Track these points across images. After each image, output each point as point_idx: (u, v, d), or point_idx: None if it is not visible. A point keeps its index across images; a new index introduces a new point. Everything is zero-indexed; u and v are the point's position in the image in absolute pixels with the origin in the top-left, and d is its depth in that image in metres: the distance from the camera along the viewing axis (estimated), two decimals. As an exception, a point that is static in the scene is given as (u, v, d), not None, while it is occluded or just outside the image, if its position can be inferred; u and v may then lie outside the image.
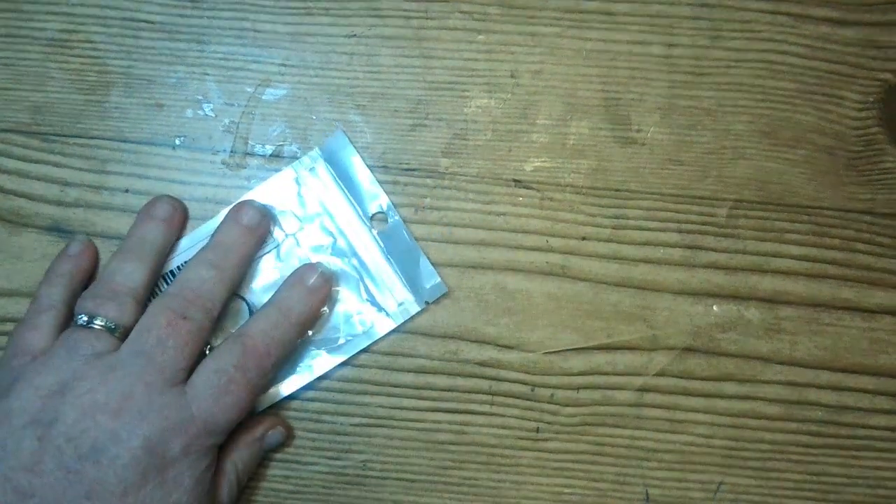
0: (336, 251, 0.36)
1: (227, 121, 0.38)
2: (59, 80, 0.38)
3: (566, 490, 0.37)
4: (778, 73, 0.38)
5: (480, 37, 0.38)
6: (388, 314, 0.36)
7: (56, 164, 0.37)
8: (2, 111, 0.37)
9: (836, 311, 0.38)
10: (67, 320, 0.33)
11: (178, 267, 0.35)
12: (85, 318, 0.32)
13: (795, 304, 0.38)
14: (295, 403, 0.37)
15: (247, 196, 0.36)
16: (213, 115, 0.38)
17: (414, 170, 0.38)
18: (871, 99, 0.38)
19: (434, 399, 0.37)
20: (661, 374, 0.37)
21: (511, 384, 0.37)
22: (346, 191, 0.37)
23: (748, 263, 0.38)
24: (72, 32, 0.38)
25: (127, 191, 0.37)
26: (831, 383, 0.37)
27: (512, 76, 0.38)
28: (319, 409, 0.37)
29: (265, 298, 0.35)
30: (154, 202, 0.36)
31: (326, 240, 0.36)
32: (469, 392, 0.37)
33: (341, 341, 0.36)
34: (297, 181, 0.37)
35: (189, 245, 0.36)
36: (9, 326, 0.36)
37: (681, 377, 0.37)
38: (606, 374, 0.37)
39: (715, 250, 0.38)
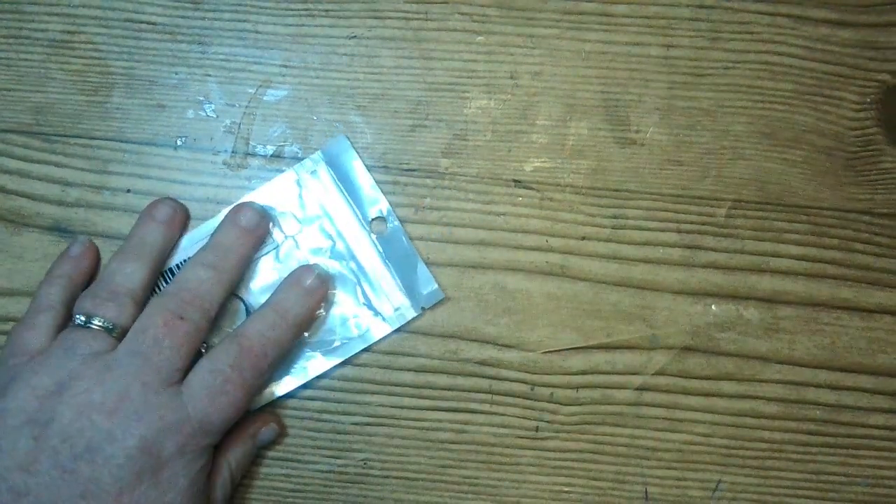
0: (335, 254, 0.36)
1: (228, 121, 0.38)
2: (60, 80, 0.38)
3: (566, 489, 0.37)
4: (777, 73, 0.39)
5: (480, 38, 0.38)
6: (384, 318, 0.36)
7: (57, 165, 0.37)
8: (3, 111, 0.38)
9: (835, 310, 0.38)
10: (66, 321, 0.33)
11: (177, 265, 0.35)
12: (83, 319, 0.32)
13: (794, 303, 0.38)
14: (295, 402, 0.37)
15: (248, 197, 0.37)
16: (215, 115, 0.38)
17: (414, 170, 0.38)
18: (870, 100, 0.39)
19: (434, 398, 0.37)
20: (660, 373, 0.37)
21: (511, 383, 0.37)
22: (346, 194, 0.37)
23: (747, 263, 0.38)
24: (73, 33, 0.38)
25: (128, 191, 0.37)
26: (830, 382, 0.38)
27: (511, 77, 0.38)
28: (320, 408, 0.37)
29: (263, 299, 0.35)
30: (155, 204, 0.36)
31: (325, 242, 0.36)
32: (469, 391, 0.37)
33: (336, 344, 0.36)
34: (298, 183, 0.37)
35: (189, 244, 0.36)
36: (9, 326, 0.36)
37: (680, 376, 0.37)
38: (606, 373, 0.37)
39: (714, 250, 0.38)
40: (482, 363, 0.37)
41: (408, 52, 0.38)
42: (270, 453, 0.37)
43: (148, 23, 0.38)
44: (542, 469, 0.37)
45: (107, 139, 0.38)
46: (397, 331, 0.37)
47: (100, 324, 0.32)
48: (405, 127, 0.38)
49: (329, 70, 0.38)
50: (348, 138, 0.37)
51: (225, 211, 0.36)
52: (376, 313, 0.36)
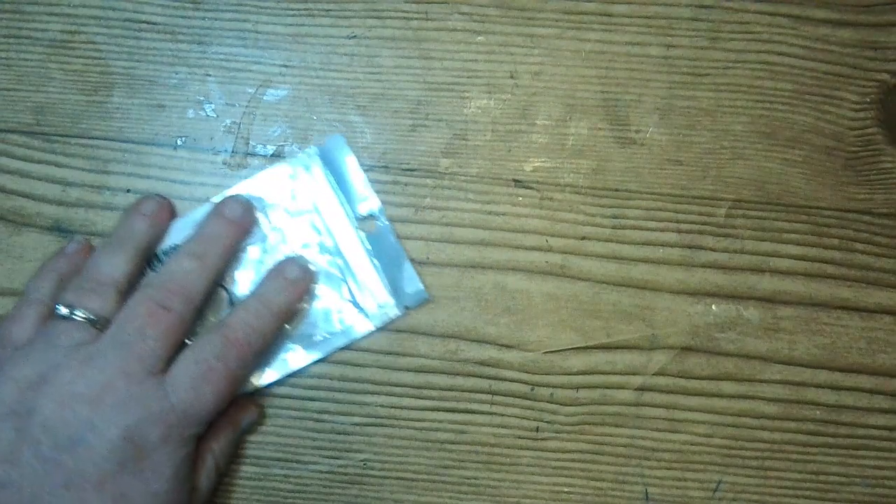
0: (322, 249, 0.36)
1: (228, 121, 0.38)
2: (60, 80, 0.38)
3: (566, 489, 0.37)
4: (776, 73, 0.39)
5: (480, 38, 0.38)
6: (367, 315, 0.36)
7: (57, 165, 0.37)
8: (3, 111, 0.38)
9: (835, 310, 0.38)
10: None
11: (163, 252, 0.35)
12: (66, 310, 0.32)
13: (794, 303, 0.38)
14: (295, 403, 0.37)
15: (240, 186, 0.37)
16: (215, 115, 0.38)
17: (414, 170, 0.38)
18: (869, 99, 0.39)
19: (434, 398, 0.37)
20: (660, 373, 0.37)
21: (511, 383, 0.37)
22: (338, 191, 0.37)
23: (747, 263, 0.38)
24: (73, 33, 0.38)
25: (128, 191, 0.37)
26: (830, 382, 0.37)
27: (511, 77, 0.38)
28: (320, 408, 0.37)
29: (249, 290, 0.35)
30: (142, 199, 0.36)
31: (314, 237, 0.36)
32: (469, 391, 0.37)
33: (319, 338, 0.36)
34: (291, 177, 0.37)
35: (177, 231, 0.36)
36: (10, 326, 0.36)
37: (680, 376, 0.37)
38: (606, 373, 0.37)
39: (714, 250, 0.38)
40: (482, 363, 0.37)
41: (408, 52, 0.38)
42: (270, 454, 0.37)
43: (148, 23, 0.38)
44: (542, 469, 0.37)
45: (107, 139, 0.38)
46: (381, 330, 0.37)
47: (83, 315, 0.32)
48: (405, 127, 0.38)
49: (329, 70, 0.38)
50: (344, 137, 0.37)
51: (216, 199, 0.36)
52: (360, 310, 0.36)
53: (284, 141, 0.38)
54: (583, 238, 0.38)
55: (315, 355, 0.36)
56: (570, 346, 0.37)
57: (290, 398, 0.37)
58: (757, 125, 0.38)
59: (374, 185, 0.38)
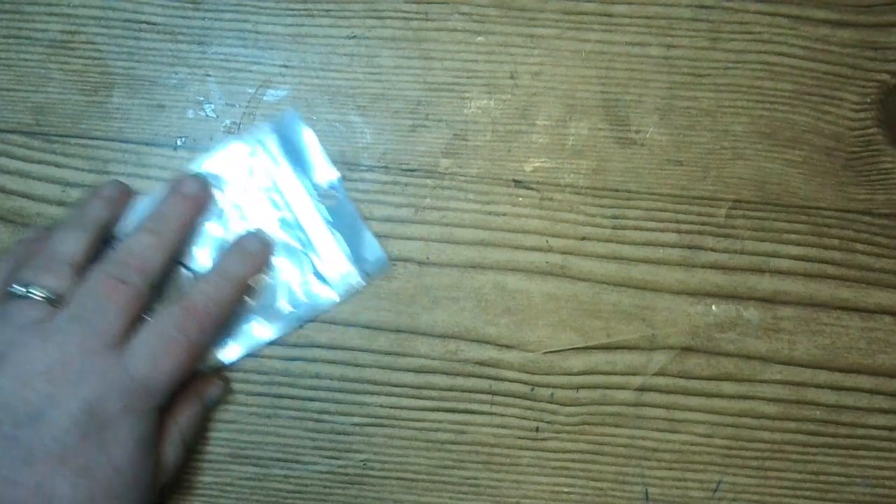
0: (282, 223, 0.37)
1: (228, 122, 0.38)
2: (60, 80, 0.38)
3: (566, 489, 0.37)
4: (776, 74, 0.39)
5: (480, 38, 0.38)
6: (330, 286, 0.37)
7: (57, 165, 0.37)
8: (3, 112, 0.38)
9: (835, 310, 0.38)
10: None
11: (122, 234, 0.35)
12: (22, 289, 0.32)
13: (794, 303, 0.38)
14: (295, 403, 0.37)
15: (198, 164, 0.37)
16: (215, 115, 0.38)
17: (414, 170, 0.38)
18: (869, 100, 0.39)
19: (434, 398, 0.37)
20: (660, 373, 0.37)
21: (511, 384, 0.37)
22: (296, 165, 0.37)
23: (747, 263, 0.38)
24: (73, 34, 0.38)
25: (128, 191, 0.37)
26: (830, 383, 0.37)
27: (511, 77, 0.38)
28: (320, 408, 0.37)
29: (209, 267, 0.35)
30: (103, 184, 0.36)
31: (273, 212, 0.37)
32: (469, 391, 0.37)
33: (284, 311, 0.36)
34: (248, 154, 0.37)
35: (136, 213, 0.36)
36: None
37: (680, 377, 0.37)
38: (606, 373, 0.37)
39: (714, 250, 0.38)
40: (482, 363, 0.37)
41: (408, 52, 0.38)
42: (270, 454, 0.37)
43: (148, 23, 0.38)
44: (542, 470, 0.37)
45: (107, 139, 0.38)
46: (345, 301, 0.37)
47: (39, 293, 0.31)
48: (405, 127, 0.38)
49: (329, 70, 0.38)
50: (298, 111, 0.37)
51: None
52: (323, 281, 0.37)
53: (284, 141, 0.38)
54: (583, 238, 0.38)
55: (280, 328, 0.36)
56: (570, 347, 0.37)
57: (290, 398, 0.37)
58: (757, 125, 0.38)
59: (374, 185, 0.38)
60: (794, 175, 0.38)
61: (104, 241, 0.35)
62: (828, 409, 0.37)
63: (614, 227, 0.38)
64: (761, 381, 0.37)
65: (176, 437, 0.33)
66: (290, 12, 0.38)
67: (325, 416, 0.37)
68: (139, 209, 0.36)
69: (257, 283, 0.36)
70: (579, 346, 0.37)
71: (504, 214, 0.38)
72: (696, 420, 0.37)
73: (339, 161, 0.38)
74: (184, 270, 0.36)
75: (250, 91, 0.38)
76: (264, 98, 0.38)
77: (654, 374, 0.37)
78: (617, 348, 0.37)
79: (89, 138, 0.38)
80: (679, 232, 0.38)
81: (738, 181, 0.38)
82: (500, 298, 0.37)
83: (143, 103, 0.38)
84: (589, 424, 0.37)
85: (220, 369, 0.36)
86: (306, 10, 0.38)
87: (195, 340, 0.32)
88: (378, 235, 0.37)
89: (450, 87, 0.38)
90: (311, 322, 0.37)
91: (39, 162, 0.37)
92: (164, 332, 0.32)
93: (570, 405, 0.37)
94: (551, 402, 0.37)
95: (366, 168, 0.38)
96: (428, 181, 0.38)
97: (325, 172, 0.37)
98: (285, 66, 0.38)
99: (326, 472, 0.37)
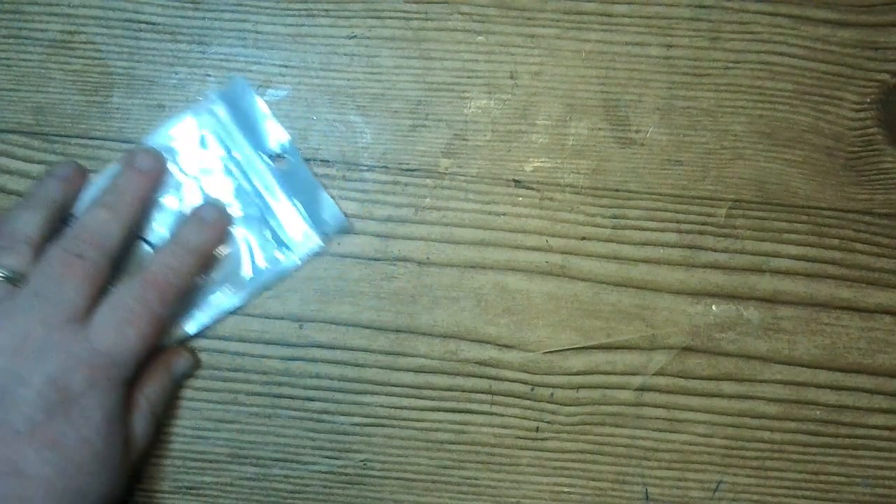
0: (238, 191, 0.37)
1: (227, 121, 0.38)
2: (60, 80, 0.38)
3: (566, 489, 0.37)
4: (777, 74, 0.39)
5: (480, 38, 0.38)
6: (291, 250, 0.37)
7: (57, 165, 0.37)
8: (4, 112, 0.38)
9: (835, 310, 0.38)
10: None
11: (79, 214, 0.35)
12: None
13: (794, 303, 0.38)
14: (295, 403, 0.37)
15: (151, 138, 0.37)
16: (214, 115, 0.38)
17: (414, 170, 0.38)
18: (869, 100, 0.39)
19: (434, 398, 0.37)
20: (660, 373, 0.37)
21: (511, 384, 0.37)
22: (247, 132, 0.37)
23: (747, 263, 0.38)
24: (73, 34, 0.38)
25: (128, 191, 0.37)
26: (830, 383, 0.37)
27: (511, 77, 0.38)
28: (320, 408, 0.37)
29: None
30: (57, 164, 0.36)
31: (229, 181, 0.37)
32: (469, 391, 0.37)
33: (246, 278, 0.36)
34: (199, 125, 0.37)
35: (95, 190, 0.36)
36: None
37: (680, 377, 0.37)
38: (606, 373, 0.37)
39: (714, 250, 0.38)
40: (482, 363, 0.37)
41: (408, 52, 0.38)
42: (270, 454, 0.37)
43: (148, 23, 0.38)
44: (542, 469, 0.37)
45: (107, 139, 0.38)
46: (307, 263, 0.37)
47: None
48: (405, 127, 0.38)
49: (329, 70, 0.38)
50: (244, 78, 0.37)
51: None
52: (283, 245, 0.37)
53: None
54: (583, 238, 0.38)
55: (244, 296, 0.37)
56: (570, 346, 0.37)
57: (290, 398, 0.37)
58: (757, 125, 0.38)
59: (374, 185, 0.38)
60: (794, 175, 0.38)
61: (63, 220, 0.35)
62: (828, 409, 0.37)
63: (614, 227, 0.38)
64: (761, 381, 0.37)
65: (145, 409, 0.33)
66: (290, 12, 0.38)
67: (325, 416, 0.37)
68: (95, 188, 0.36)
69: (218, 252, 0.36)
70: (579, 346, 0.37)
71: (504, 214, 0.38)
72: (696, 420, 0.37)
73: (340, 161, 0.38)
74: (144, 245, 0.36)
75: (250, 91, 0.38)
76: (264, 98, 0.38)
77: (654, 374, 0.37)
78: (617, 348, 0.37)
79: (89, 138, 0.38)
80: (679, 232, 0.38)
81: (738, 181, 0.38)
82: (500, 298, 0.37)
83: (143, 103, 0.38)
84: (589, 424, 0.37)
85: (187, 341, 0.36)
86: (306, 10, 0.38)
87: (157, 311, 0.32)
88: (378, 235, 0.37)
89: (450, 87, 0.38)
90: (310, 322, 0.37)
91: (40, 162, 0.37)
92: (125, 304, 0.32)
93: (570, 405, 0.37)
94: (551, 402, 0.37)
95: (366, 168, 0.38)
96: (428, 181, 0.38)
97: (277, 137, 0.37)
98: (285, 66, 0.38)
99: (326, 472, 0.37)
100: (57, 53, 0.38)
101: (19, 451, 0.29)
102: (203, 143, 0.37)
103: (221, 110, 0.37)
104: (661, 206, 0.38)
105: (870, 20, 0.39)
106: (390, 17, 0.38)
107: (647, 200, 0.38)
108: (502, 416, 0.37)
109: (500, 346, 0.37)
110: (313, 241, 0.37)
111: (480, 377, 0.37)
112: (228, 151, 0.37)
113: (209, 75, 0.38)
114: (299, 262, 0.37)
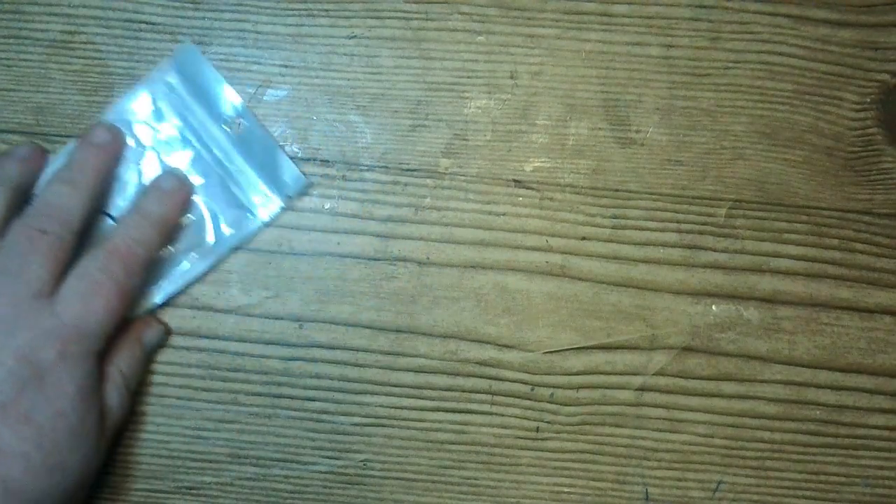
0: (197, 159, 0.37)
1: (227, 121, 0.38)
2: (60, 81, 0.38)
3: (566, 489, 0.37)
4: (777, 74, 0.39)
5: (480, 38, 0.38)
6: (252, 214, 0.37)
7: (57, 165, 0.37)
8: (4, 112, 0.38)
9: (835, 310, 0.38)
10: None
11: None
12: None
13: (794, 303, 0.38)
14: (295, 403, 0.37)
15: (106, 114, 0.37)
16: (214, 115, 0.38)
17: (414, 170, 0.38)
18: (869, 100, 0.39)
19: (434, 399, 0.37)
20: (660, 373, 0.37)
21: (511, 384, 0.37)
22: (201, 99, 0.37)
23: (747, 263, 0.38)
24: (73, 34, 0.38)
25: (128, 191, 0.37)
26: (830, 383, 0.37)
27: (511, 77, 0.38)
28: (319, 408, 0.37)
29: None
30: (15, 147, 0.36)
31: (187, 149, 0.37)
32: (469, 392, 0.37)
33: (209, 244, 0.37)
34: (152, 97, 0.37)
35: (54, 169, 0.36)
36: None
37: (680, 377, 0.37)
38: (606, 373, 0.37)
39: (714, 250, 0.38)
40: (482, 363, 0.37)
41: (408, 52, 0.38)
42: (270, 454, 0.37)
43: (148, 23, 0.38)
44: (542, 470, 0.37)
45: (107, 139, 0.38)
46: (270, 226, 0.37)
47: None
48: (405, 127, 0.38)
49: (329, 70, 0.38)
50: (194, 44, 0.38)
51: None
52: (244, 209, 0.37)
53: (284, 141, 0.38)
54: (583, 238, 0.38)
55: (209, 262, 0.37)
56: (570, 347, 0.37)
57: (290, 398, 0.37)
58: (757, 125, 0.38)
59: (374, 185, 0.38)
60: (794, 175, 0.38)
61: (25, 201, 0.35)
62: (828, 409, 0.37)
63: (614, 227, 0.38)
64: (761, 381, 0.37)
65: (118, 381, 0.33)
66: (290, 12, 0.38)
67: (325, 416, 0.37)
68: (55, 167, 0.36)
69: (181, 221, 0.36)
70: (579, 346, 0.37)
71: (504, 214, 0.38)
72: (696, 420, 0.37)
73: (340, 161, 0.38)
74: (108, 220, 0.36)
75: (250, 91, 0.38)
76: (264, 98, 0.38)
77: (654, 374, 0.37)
78: (617, 348, 0.37)
79: (89, 138, 0.38)
80: (679, 232, 0.38)
81: (738, 181, 0.38)
82: (500, 298, 0.37)
83: (143, 103, 0.38)
84: (589, 424, 0.37)
85: (156, 311, 0.36)
86: (306, 10, 0.38)
87: (123, 281, 0.32)
88: (378, 235, 0.37)
89: (450, 87, 0.38)
90: (310, 322, 0.37)
91: (39, 162, 0.37)
92: (89, 275, 0.32)
93: (570, 405, 0.37)
94: (551, 402, 0.37)
95: (366, 168, 0.38)
96: (428, 181, 0.38)
97: (231, 101, 0.37)
98: (285, 66, 0.38)
99: (326, 472, 0.37)
100: (57, 53, 0.38)
101: None
102: (159, 115, 0.37)
103: (174, 80, 0.37)
104: (661, 206, 0.38)
105: (870, 20, 0.39)
106: (390, 17, 0.38)
107: (647, 200, 0.38)
108: (502, 416, 0.37)
109: (500, 346, 0.37)
110: (275, 203, 0.37)
111: (480, 377, 0.37)
112: (185, 120, 0.37)
113: (209, 75, 0.38)
114: (262, 225, 0.37)
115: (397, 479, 0.37)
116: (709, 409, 0.37)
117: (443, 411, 0.37)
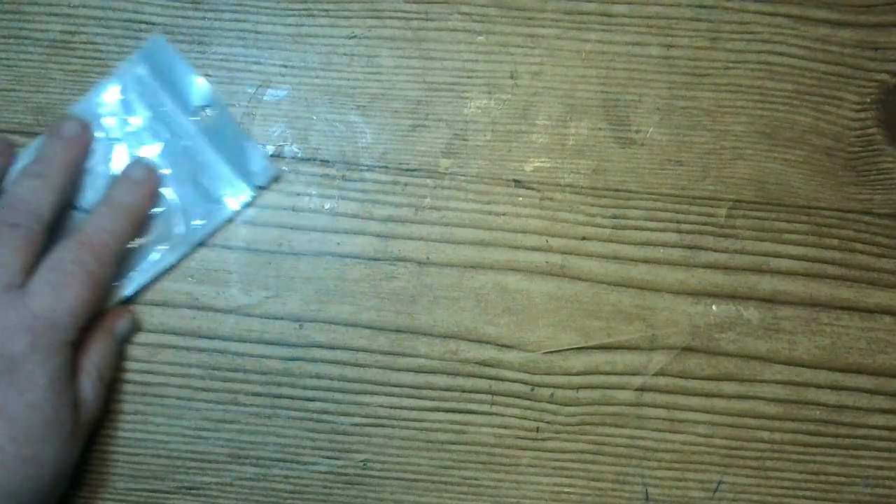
0: (167, 151, 0.37)
1: (227, 121, 0.38)
2: (60, 81, 0.38)
3: (566, 489, 0.37)
4: (777, 74, 0.39)
5: (480, 38, 0.38)
6: (221, 203, 0.37)
7: (57, 165, 0.37)
8: (4, 112, 0.38)
9: (835, 310, 0.38)
10: None
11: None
12: None
13: (794, 303, 0.38)
14: (295, 403, 0.37)
15: (75, 108, 0.37)
16: (214, 115, 0.38)
17: (414, 170, 0.38)
18: (869, 100, 0.39)
19: (434, 399, 0.37)
20: (660, 373, 0.37)
21: (511, 384, 0.37)
22: (169, 90, 0.37)
23: (747, 263, 0.38)
24: (73, 34, 0.38)
25: (128, 191, 0.37)
26: (830, 383, 0.37)
27: (511, 77, 0.38)
28: (319, 408, 0.37)
29: None
30: None
31: (156, 141, 0.37)
32: (469, 392, 0.37)
33: (180, 235, 0.37)
34: (122, 90, 0.37)
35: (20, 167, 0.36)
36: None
37: (680, 377, 0.37)
38: (606, 373, 0.37)
39: (714, 250, 0.38)
40: (482, 363, 0.37)
41: (408, 52, 0.38)
42: (270, 454, 0.37)
43: (148, 23, 0.38)
44: (542, 470, 0.37)
45: (106, 139, 0.38)
46: (236, 219, 0.37)
47: None
48: (405, 127, 0.38)
49: (329, 70, 0.38)
50: (163, 36, 0.38)
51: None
52: (214, 199, 0.37)
53: (284, 141, 0.38)
54: (583, 238, 0.38)
55: (179, 253, 0.37)
56: (570, 347, 0.37)
57: (290, 398, 0.37)
58: (757, 125, 0.38)
59: (374, 185, 0.38)
60: (794, 175, 0.38)
61: None
62: (828, 409, 0.37)
63: (614, 227, 0.38)
64: (761, 381, 0.37)
65: (92, 373, 0.33)
66: (290, 12, 0.38)
67: (325, 416, 0.37)
68: (23, 162, 0.36)
69: (151, 212, 0.36)
70: (579, 346, 0.37)
71: (504, 214, 0.38)
72: (696, 420, 0.37)
73: (340, 161, 0.38)
74: (78, 214, 0.36)
75: (250, 91, 0.38)
76: (264, 98, 0.38)
77: (654, 374, 0.37)
78: (617, 348, 0.37)
79: (89, 138, 0.38)
80: (679, 232, 0.38)
81: (738, 181, 0.38)
82: (500, 298, 0.37)
83: (143, 103, 0.38)
84: (589, 424, 0.37)
85: (128, 302, 0.36)
86: (306, 10, 0.38)
87: (93, 271, 0.32)
88: (378, 235, 0.37)
89: (450, 87, 0.38)
90: (310, 322, 0.37)
91: (39, 162, 0.37)
92: (60, 266, 0.32)
93: (570, 405, 0.37)
94: (551, 402, 0.37)
95: (366, 168, 0.38)
96: (428, 181, 0.38)
97: (199, 91, 0.37)
98: (285, 66, 0.38)
99: (326, 472, 0.37)
100: (57, 53, 0.38)
101: None
102: (128, 107, 0.37)
103: (142, 71, 0.37)
104: (661, 206, 0.38)
105: (870, 20, 0.39)
106: (390, 17, 0.38)
107: (647, 200, 0.38)
108: (502, 416, 0.37)
109: (500, 346, 0.37)
110: (244, 193, 0.37)
111: (480, 377, 0.37)
112: (154, 112, 0.37)
113: (209, 75, 0.38)
114: (232, 215, 0.37)
115: (397, 479, 0.37)
116: (709, 409, 0.37)
117: (443, 411, 0.37)
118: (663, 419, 0.37)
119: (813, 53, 0.39)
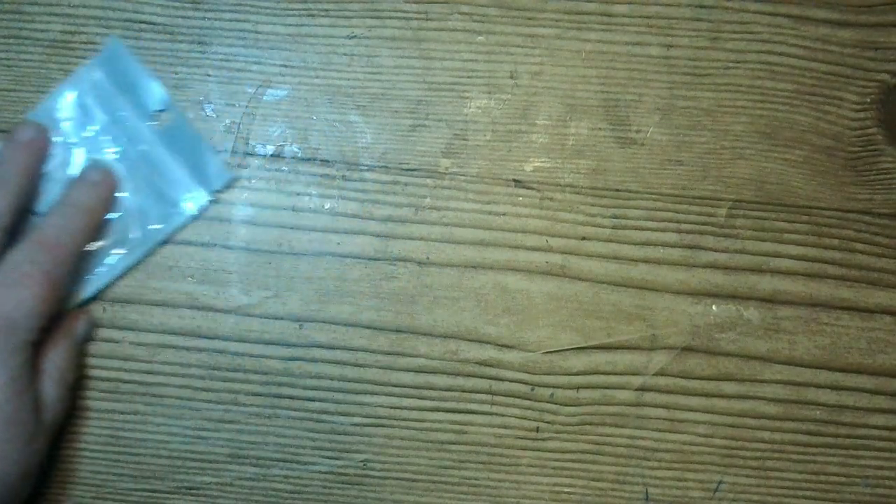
0: (124, 155, 0.37)
1: (227, 121, 0.38)
2: (60, 81, 0.38)
3: (566, 489, 0.37)
4: (777, 74, 0.39)
5: (480, 38, 0.38)
6: (178, 207, 0.37)
7: (57, 165, 0.37)
8: (4, 112, 0.38)
9: (835, 310, 0.38)
10: None
11: None
12: None
13: (794, 303, 0.38)
14: (295, 403, 0.37)
15: (32, 113, 0.37)
16: (215, 115, 0.38)
17: (414, 170, 0.38)
18: (869, 100, 0.39)
19: (434, 399, 0.37)
20: (660, 373, 0.37)
21: (511, 384, 0.37)
22: (127, 95, 0.37)
23: (747, 263, 0.38)
24: (73, 34, 0.38)
25: (128, 191, 0.37)
26: (830, 383, 0.37)
27: (511, 77, 0.38)
28: (319, 408, 0.37)
29: None
30: None
31: (113, 146, 0.37)
32: (469, 392, 0.37)
33: (136, 239, 0.37)
34: (78, 94, 0.37)
35: None
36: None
37: (680, 377, 0.37)
38: (606, 373, 0.37)
39: (714, 250, 0.38)
40: (482, 363, 0.37)
41: (408, 52, 0.38)
42: (270, 454, 0.37)
43: (147, 23, 0.38)
44: (542, 470, 0.37)
45: (106, 139, 0.38)
46: (200, 219, 0.37)
47: None
48: (405, 127, 0.38)
49: (329, 70, 0.38)
50: (120, 40, 0.38)
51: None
52: (171, 204, 0.37)
53: (284, 141, 0.38)
54: (583, 238, 0.38)
55: (136, 256, 0.37)
56: (570, 347, 0.37)
57: (290, 398, 0.37)
58: (757, 125, 0.38)
59: (374, 185, 0.38)
60: (794, 175, 0.38)
61: None
62: (828, 409, 0.37)
63: (614, 227, 0.38)
64: (761, 381, 0.37)
65: (53, 373, 0.33)
66: (290, 12, 0.38)
67: (325, 416, 0.37)
68: None
69: (108, 216, 0.36)
70: (579, 346, 0.37)
71: (504, 214, 0.38)
72: (697, 420, 0.37)
73: (340, 161, 0.38)
74: (36, 218, 0.36)
75: (250, 91, 0.38)
76: (264, 98, 0.38)
77: (654, 374, 0.37)
78: (617, 348, 0.37)
79: (89, 138, 0.38)
80: (679, 232, 0.38)
81: (738, 181, 0.38)
82: (500, 298, 0.37)
83: (143, 103, 0.38)
84: (589, 424, 0.37)
85: (86, 304, 0.36)
86: (306, 9, 0.38)
87: (50, 271, 0.32)
88: (378, 235, 0.37)
89: (450, 87, 0.38)
90: (310, 322, 0.37)
91: (39, 162, 0.37)
92: (17, 267, 0.32)
93: (571, 405, 0.37)
94: (551, 402, 0.37)
95: (366, 168, 0.38)
96: (428, 181, 0.38)
97: (156, 96, 0.37)
98: (285, 66, 0.38)
99: (326, 472, 0.37)
100: (57, 53, 0.38)
101: None
102: (86, 112, 0.37)
103: (100, 76, 0.37)
104: (661, 206, 0.38)
105: (870, 20, 0.39)
106: (390, 17, 0.38)
107: (647, 200, 0.38)
108: (502, 416, 0.37)
109: (500, 346, 0.37)
110: (201, 198, 0.37)
111: (480, 377, 0.37)
112: (111, 116, 0.37)
113: (209, 75, 0.38)
114: (188, 219, 0.37)
115: (397, 479, 0.37)
116: (709, 409, 0.37)
117: (443, 411, 0.37)
118: (663, 419, 0.37)
119: (813, 53, 0.39)
